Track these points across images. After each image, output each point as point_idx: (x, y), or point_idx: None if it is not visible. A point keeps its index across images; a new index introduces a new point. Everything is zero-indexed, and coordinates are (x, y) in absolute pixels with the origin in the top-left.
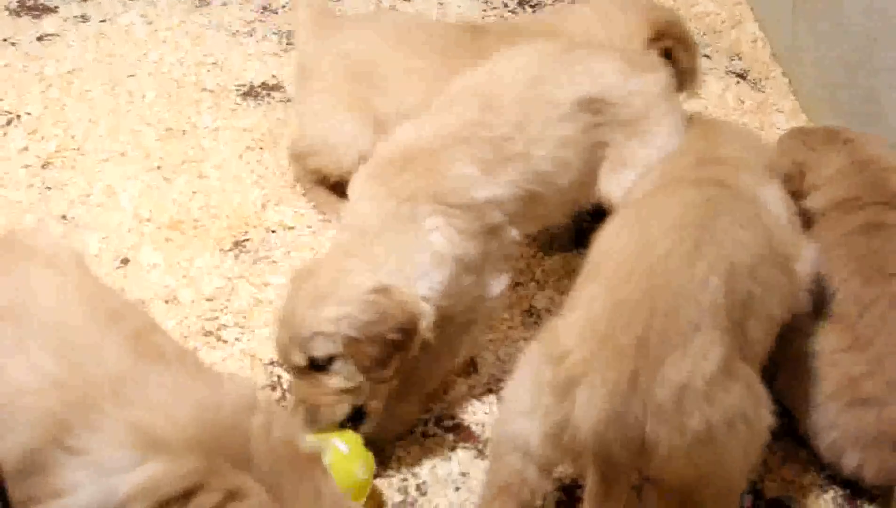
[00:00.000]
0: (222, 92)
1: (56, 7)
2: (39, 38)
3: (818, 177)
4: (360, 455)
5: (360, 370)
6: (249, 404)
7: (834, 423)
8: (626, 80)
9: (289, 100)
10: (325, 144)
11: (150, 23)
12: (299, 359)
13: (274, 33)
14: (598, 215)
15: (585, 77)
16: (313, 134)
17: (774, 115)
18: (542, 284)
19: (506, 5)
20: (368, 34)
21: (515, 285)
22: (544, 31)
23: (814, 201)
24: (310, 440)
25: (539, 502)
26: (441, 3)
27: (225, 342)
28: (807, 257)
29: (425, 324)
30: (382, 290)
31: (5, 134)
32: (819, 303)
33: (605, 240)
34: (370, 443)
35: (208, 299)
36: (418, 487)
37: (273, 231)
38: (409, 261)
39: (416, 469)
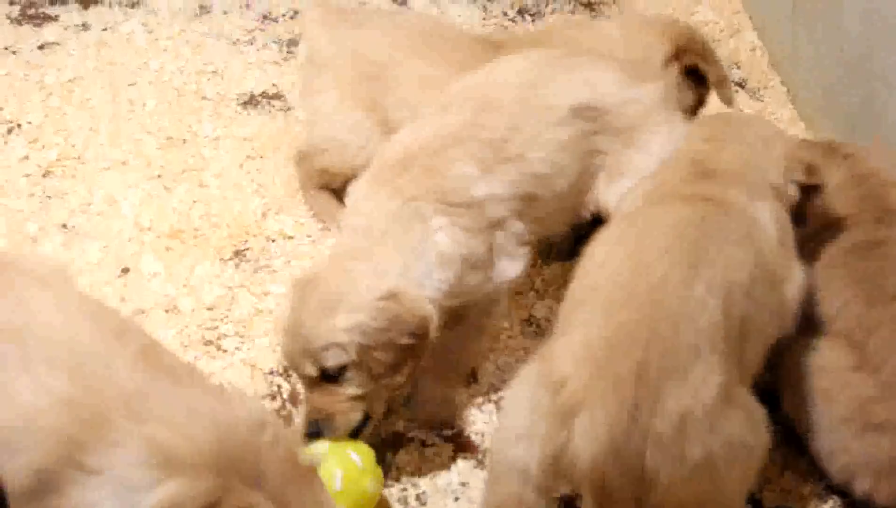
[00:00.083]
0: (223, 101)
1: (57, 16)
2: (40, 47)
3: None
4: (372, 470)
5: (372, 377)
6: (261, 421)
7: (846, 447)
8: (623, 89)
9: (289, 108)
10: (335, 141)
11: (151, 31)
12: (311, 370)
13: (274, 42)
14: (596, 225)
15: (582, 84)
16: (323, 130)
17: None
18: (541, 293)
19: (505, 14)
20: (387, 37)
21: (515, 294)
22: (564, 46)
23: (812, 217)
24: (310, 450)
25: None
26: (441, 12)
27: (225, 351)
28: (796, 280)
29: (433, 326)
30: (392, 295)
31: (6, 143)
32: (817, 322)
33: (598, 256)
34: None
35: (208, 309)
36: (418, 497)
37: (273, 240)
38: (416, 262)
39: (416, 479)
